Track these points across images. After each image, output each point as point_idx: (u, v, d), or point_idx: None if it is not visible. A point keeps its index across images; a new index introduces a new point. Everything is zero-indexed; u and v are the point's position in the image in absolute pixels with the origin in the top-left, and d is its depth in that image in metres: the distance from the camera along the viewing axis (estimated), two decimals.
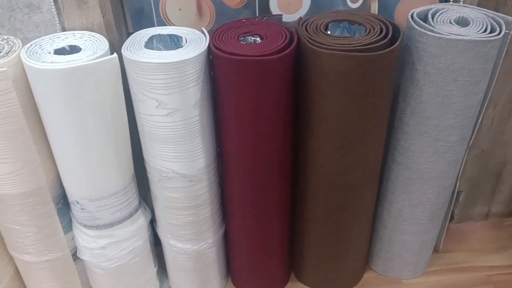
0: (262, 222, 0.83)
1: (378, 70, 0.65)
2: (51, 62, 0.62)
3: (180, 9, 0.79)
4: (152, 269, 0.90)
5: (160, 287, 0.93)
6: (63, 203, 0.79)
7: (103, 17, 0.69)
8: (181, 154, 0.71)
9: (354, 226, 0.84)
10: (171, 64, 0.62)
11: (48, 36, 0.69)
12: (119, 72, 0.65)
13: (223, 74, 0.65)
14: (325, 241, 0.86)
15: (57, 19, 0.74)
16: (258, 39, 0.68)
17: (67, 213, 0.81)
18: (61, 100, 0.63)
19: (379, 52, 0.63)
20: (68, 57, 0.63)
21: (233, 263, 0.92)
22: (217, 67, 0.66)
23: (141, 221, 0.83)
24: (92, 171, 0.71)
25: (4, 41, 0.67)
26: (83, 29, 0.70)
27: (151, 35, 0.69)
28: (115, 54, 0.64)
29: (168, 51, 0.65)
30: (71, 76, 0.62)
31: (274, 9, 0.80)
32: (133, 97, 0.68)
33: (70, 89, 0.62)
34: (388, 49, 0.64)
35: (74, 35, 0.68)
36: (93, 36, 0.68)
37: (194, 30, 0.70)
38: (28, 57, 0.63)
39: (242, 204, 0.80)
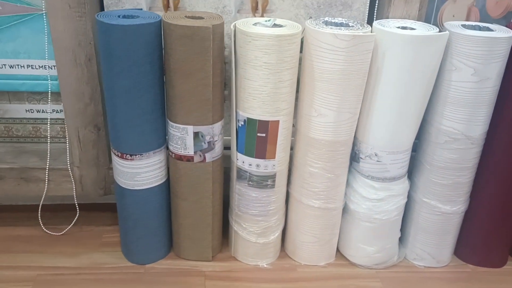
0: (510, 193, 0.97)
1: None
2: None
3: (453, 16, 1.01)
4: (398, 233, 1.04)
5: (398, 253, 1.06)
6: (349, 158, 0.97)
7: (419, 10, 0.91)
8: (475, 117, 0.89)
9: None
10: (497, 39, 0.82)
11: (391, 19, 0.91)
12: (444, 46, 0.85)
13: None
14: None
15: (366, 15, 0.97)
16: None
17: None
18: (406, 61, 0.83)
19: None
20: (412, 31, 0.84)
21: (467, 234, 1.05)
22: None
23: (407, 182, 0.99)
24: (401, 127, 0.89)
25: (350, 21, 0.89)
26: (402, 18, 0.92)
27: (461, 24, 0.89)
28: (447, 32, 0.84)
29: (486, 32, 0.85)
30: (421, 42, 0.82)
31: None
32: (447, 67, 0.87)
33: (415, 53, 0.82)
34: None
35: (405, 22, 0.89)
36: (420, 23, 0.89)
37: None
38: (383, 27, 0.84)
39: (499, 172, 0.96)
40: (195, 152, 0.90)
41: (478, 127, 0.90)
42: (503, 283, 1.02)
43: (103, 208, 1.17)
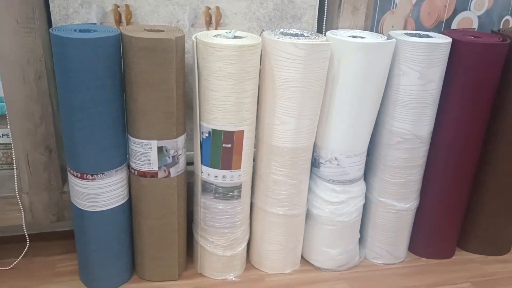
0: (456, 186, 1.05)
1: None
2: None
3: (392, 26, 1.09)
4: (358, 234, 1.08)
5: (359, 254, 1.10)
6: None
7: (365, 21, 0.97)
8: (422, 118, 0.96)
9: None
10: (438, 44, 0.90)
11: (341, 30, 0.96)
12: (392, 52, 0.91)
13: (464, 57, 0.93)
14: (499, 207, 1.09)
15: (315, 26, 1.02)
16: (472, 37, 0.98)
17: None
18: (361, 67, 0.88)
19: None
20: (363, 39, 0.89)
21: (419, 229, 1.11)
22: (459, 52, 0.93)
23: (363, 184, 1.03)
24: (357, 131, 0.94)
25: (305, 32, 0.93)
26: (350, 29, 0.98)
27: (404, 33, 0.97)
28: (394, 39, 0.90)
29: (427, 38, 0.93)
30: (373, 49, 0.87)
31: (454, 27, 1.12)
32: (396, 72, 0.93)
33: (368, 59, 0.88)
34: None
35: (354, 31, 0.95)
36: (367, 32, 0.95)
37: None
38: (337, 36, 0.88)
39: (444, 168, 1.03)
40: (159, 168, 0.88)
41: (425, 127, 0.98)
42: (453, 272, 1.09)
43: (52, 237, 1.10)
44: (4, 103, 0.93)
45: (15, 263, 1.00)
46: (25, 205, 0.96)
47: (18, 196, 0.95)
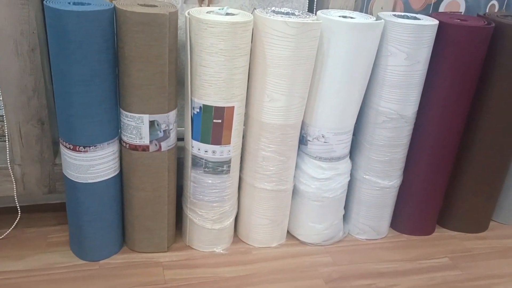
0: (437, 166, 1.09)
1: None
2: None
3: (381, 8, 1.11)
4: (342, 210, 1.11)
5: (343, 229, 1.13)
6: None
7: (355, 1, 0.99)
8: (407, 98, 0.98)
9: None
10: (425, 26, 0.92)
11: (331, 10, 0.98)
12: (380, 33, 0.93)
13: (450, 39, 0.96)
14: (478, 187, 1.14)
15: (306, 6, 1.03)
16: (458, 20, 1.00)
17: None
18: (351, 47, 0.90)
19: None
20: (352, 19, 0.92)
21: (401, 207, 1.15)
22: (445, 34, 0.96)
23: (349, 162, 1.06)
24: (345, 109, 0.97)
25: (296, 11, 0.94)
26: (340, 9, 1.00)
27: (393, 14, 0.99)
28: (382, 20, 0.93)
29: (414, 20, 0.95)
30: (363, 29, 0.89)
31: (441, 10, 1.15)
32: (383, 53, 0.96)
33: (358, 39, 0.90)
34: None
35: (344, 12, 0.97)
36: (357, 12, 0.97)
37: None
38: (329, 16, 0.90)
39: (428, 147, 1.07)
40: (150, 141, 0.90)
41: (410, 107, 1.01)
42: (434, 247, 1.14)
43: (44, 209, 1.12)
44: None
45: (6, 233, 1.02)
46: (17, 177, 0.98)
47: (10, 168, 0.96)
